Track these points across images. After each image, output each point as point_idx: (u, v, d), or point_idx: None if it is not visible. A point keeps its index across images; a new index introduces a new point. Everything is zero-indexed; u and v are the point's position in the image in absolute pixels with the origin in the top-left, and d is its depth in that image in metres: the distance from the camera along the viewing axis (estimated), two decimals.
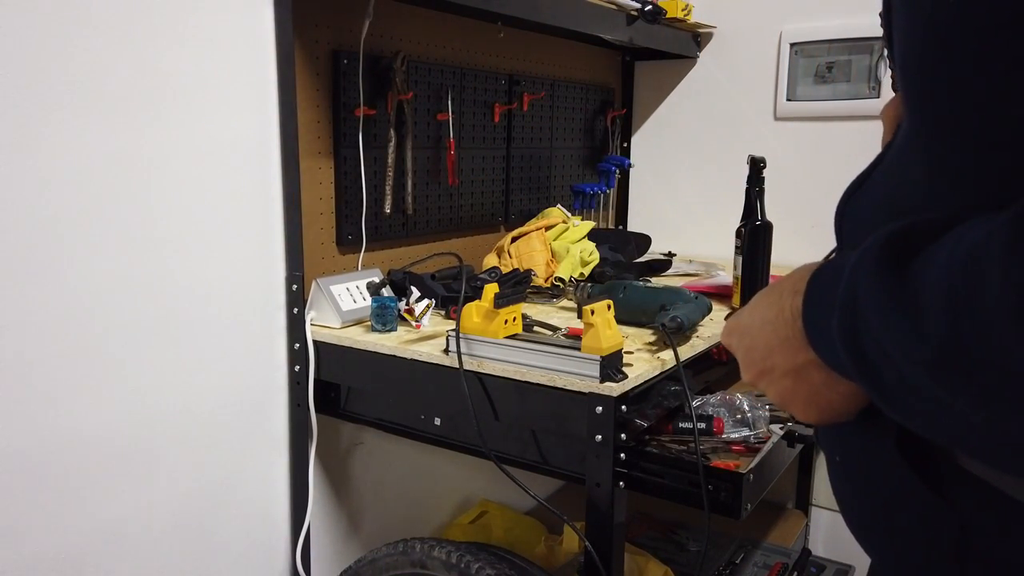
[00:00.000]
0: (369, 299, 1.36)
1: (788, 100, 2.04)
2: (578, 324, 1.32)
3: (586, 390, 1.07)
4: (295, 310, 1.37)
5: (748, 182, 1.50)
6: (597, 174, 2.23)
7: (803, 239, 2.01)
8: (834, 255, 0.54)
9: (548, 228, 1.79)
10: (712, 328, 1.35)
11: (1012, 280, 0.33)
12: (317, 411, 1.38)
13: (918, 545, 0.50)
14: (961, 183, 0.44)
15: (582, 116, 2.14)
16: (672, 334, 1.20)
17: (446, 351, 1.20)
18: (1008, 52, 0.40)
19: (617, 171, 2.25)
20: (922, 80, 0.46)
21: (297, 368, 1.38)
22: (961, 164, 0.44)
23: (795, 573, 1.93)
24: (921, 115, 0.47)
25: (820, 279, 0.48)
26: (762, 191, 1.50)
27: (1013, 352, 0.34)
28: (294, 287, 1.36)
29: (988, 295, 0.34)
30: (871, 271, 0.42)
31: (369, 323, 1.35)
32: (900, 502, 0.51)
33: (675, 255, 2.08)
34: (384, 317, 1.31)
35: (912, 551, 0.51)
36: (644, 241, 1.98)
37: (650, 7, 1.84)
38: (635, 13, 1.82)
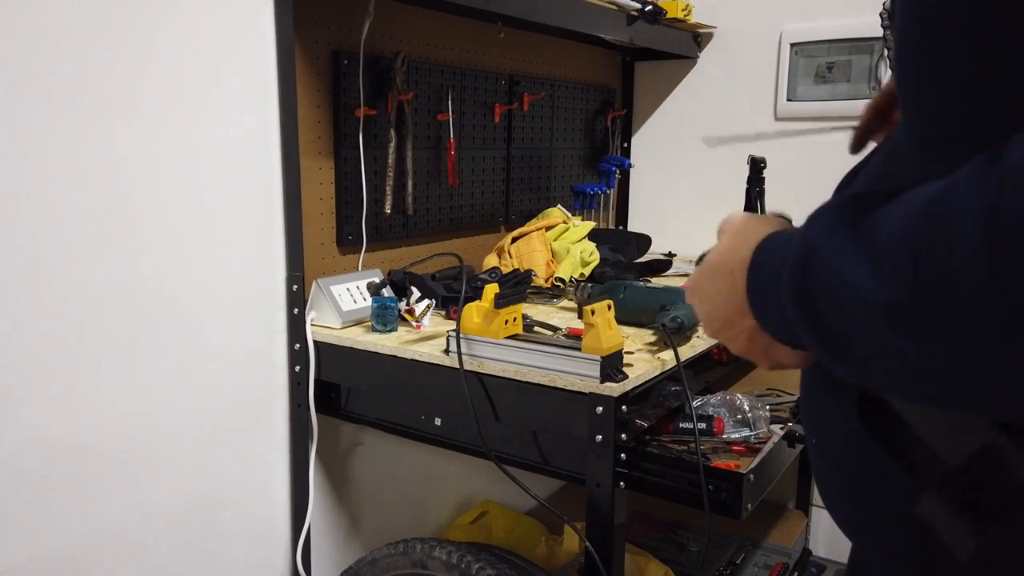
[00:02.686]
0: (369, 299, 1.36)
1: (788, 100, 2.04)
2: (578, 324, 1.32)
3: (586, 390, 1.07)
4: (295, 310, 1.37)
5: (748, 182, 1.50)
6: (597, 174, 2.23)
7: None
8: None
9: (548, 228, 1.79)
10: None
11: (976, 218, 0.35)
12: (317, 411, 1.38)
13: (882, 515, 0.53)
14: (945, 156, 0.46)
15: (582, 116, 2.14)
16: (672, 334, 1.20)
17: (446, 351, 1.20)
18: (985, 35, 0.43)
19: (617, 171, 2.25)
20: (908, 61, 0.49)
21: (297, 368, 1.38)
22: (945, 138, 0.47)
23: (796, 573, 1.93)
24: (908, 94, 0.50)
25: (768, 245, 0.52)
26: (762, 191, 1.50)
27: (980, 289, 0.36)
28: (294, 287, 1.36)
29: (951, 235, 0.37)
30: (827, 227, 0.44)
31: (369, 323, 1.35)
32: (865, 473, 0.54)
33: (675, 255, 2.08)
34: (384, 317, 1.31)
35: (876, 521, 0.54)
36: (644, 241, 1.98)
37: (650, 7, 1.84)
38: (635, 13, 1.82)
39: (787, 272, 0.47)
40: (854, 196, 0.45)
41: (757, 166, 1.51)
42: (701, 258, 0.65)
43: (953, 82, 0.46)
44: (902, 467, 0.50)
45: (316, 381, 1.36)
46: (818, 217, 0.46)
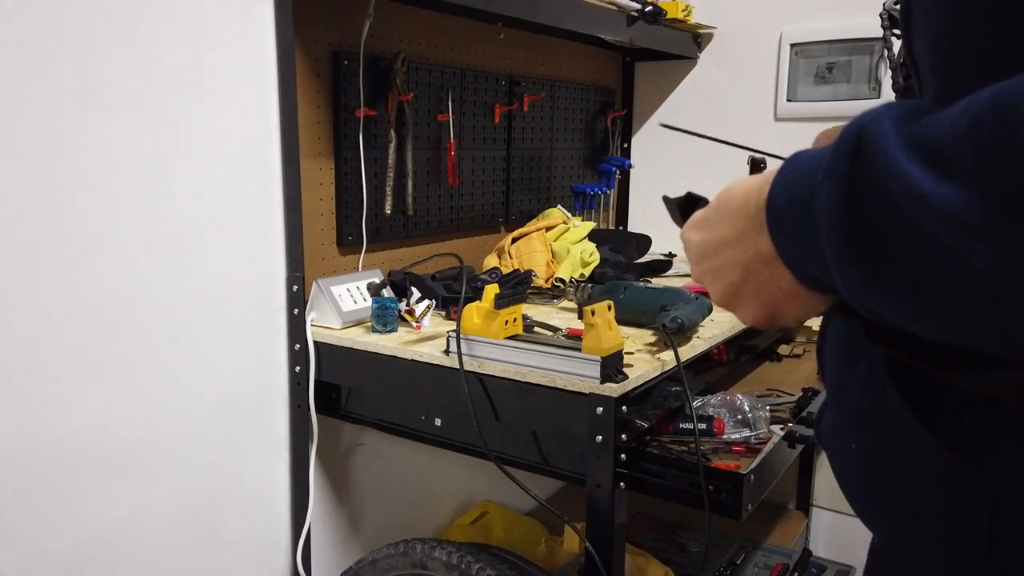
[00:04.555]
0: (369, 300, 1.36)
1: (788, 101, 2.04)
2: (578, 325, 1.32)
3: (587, 391, 1.07)
4: (296, 311, 1.37)
5: None
6: (597, 175, 2.23)
7: None
8: None
9: (548, 229, 1.79)
10: (713, 328, 1.35)
11: None
12: (318, 412, 1.38)
13: (946, 518, 0.48)
14: None
15: (582, 117, 2.14)
16: (672, 335, 1.20)
17: (446, 352, 1.20)
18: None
19: (617, 172, 2.25)
20: (946, 56, 0.47)
21: (298, 369, 1.38)
22: None
23: (796, 574, 1.93)
24: (943, 85, 0.48)
25: (797, 162, 0.44)
26: None
27: None
28: (294, 288, 1.36)
29: (1020, 119, 0.32)
30: (879, 117, 0.39)
31: (369, 324, 1.35)
32: (925, 475, 0.49)
33: (676, 255, 2.08)
34: (384, 318, 1.31)
35: (939, 525, 0.49)
36: (644, 242, 1.98)
37: (650, 8, 1.84)
38: (635, 14, 1.82)
39: (829, 159, 0.39)
40: (908, 102, 0.40)
41: (757, 167, 1.50)
42: (688, 197, 0.60)
43: (974, 47, 0.43)
44: (970, 468, 0.46)
45: (316, 381, 1.36)
46: (872, 112, 0.39)
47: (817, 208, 0.40)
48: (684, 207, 0.60)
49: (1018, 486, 0.45)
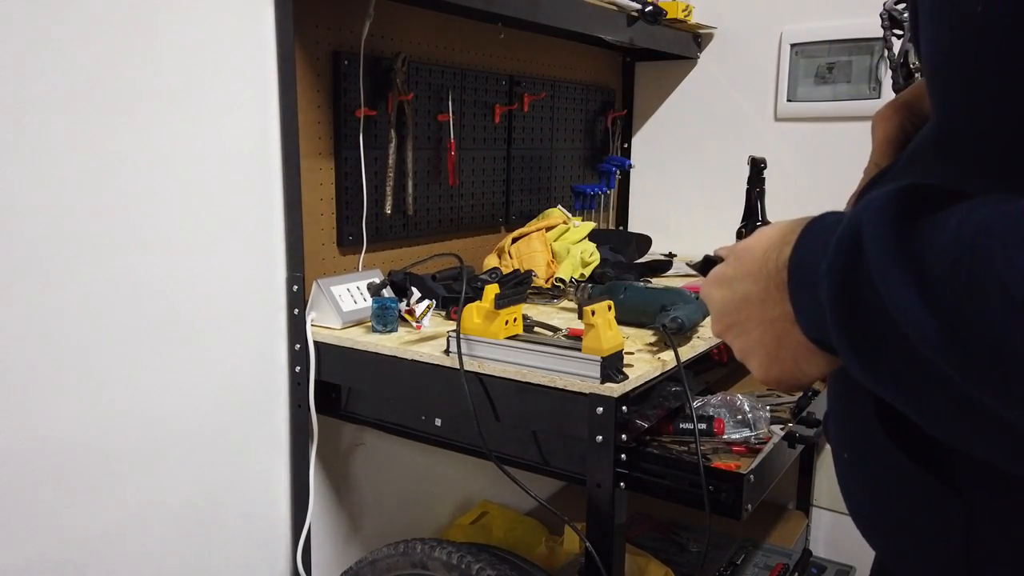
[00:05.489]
0: (370, 300, 1.36)
1: (789, 101, 2.04)
2: (579, 325, 1.32)
3: (587, 391, 1.07)
4: (296, 311, 1.37)
5: (749, 183, 1.50)
6: (597, 175, 2.23)
7: None
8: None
9: (549, 229, 1.79)
10: None
11: (1014, 270, 0.34)
12: (318, 412, 1.38)
13: (925, 536, 0.50)
14: (986, 173, 0.44)
15: (583, 117, 2.14)
16: (673, 335, 1.20)
17: (447, 352, 1.20)
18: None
19: (617, 172, 2.25)
20: (949, 79, 0.47)
21: (298, 369, 1.38)
22: (987, 155, 0.45)
23: (796, 574, 1.93)
24: (947, 110, 0.48)
25: (816, 226, 0.47)
26: (763, 192, 1.51)
27: (1010, 338, 0.34)
28: (295, 288, 1.36)
29: (990, 278, 0.35)
30: (877, 216, 0.40)
31: (370, 324, 1.35)
32: (905, 493, 0.50)
33: (675, 255, 2.08)
34: (385, 318, 1.31)
35: (919, 542, 0.50)
36: (645, 242, 1.98)
37: (651, 8, 1.84)
38: (635, 14, 1.82)
39: (831, 253, 0.42)
40: (911, 188, 0.41)
41: (757, 166, 1.51)
42: (705, 260, 0.63)
43: (979, 81, 0.43)
44: (947, 489, 0.47)
45: (316, 381, 1.36)
46: (870, 203, 0.42)
47: (823, 294, 0.43)
48: (703, 269, 0.63)
49: (992, 508, 0.46)
